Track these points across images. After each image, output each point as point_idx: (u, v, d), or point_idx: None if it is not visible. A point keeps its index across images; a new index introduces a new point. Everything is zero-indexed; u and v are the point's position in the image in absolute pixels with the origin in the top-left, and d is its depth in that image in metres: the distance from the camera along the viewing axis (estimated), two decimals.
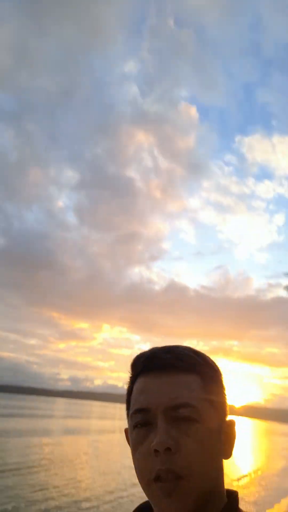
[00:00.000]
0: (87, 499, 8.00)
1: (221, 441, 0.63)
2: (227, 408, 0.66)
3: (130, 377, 0.68)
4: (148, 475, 0.59)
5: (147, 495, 0.61)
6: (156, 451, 0.58)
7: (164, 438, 0.57)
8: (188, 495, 0.57)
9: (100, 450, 17.52)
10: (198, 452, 0.58)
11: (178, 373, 0.62)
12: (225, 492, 0.64)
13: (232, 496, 0.64)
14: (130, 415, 0.64)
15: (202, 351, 0.69)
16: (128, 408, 0.66)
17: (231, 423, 0.65)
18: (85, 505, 7.49)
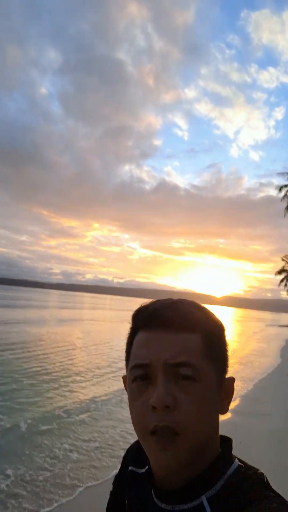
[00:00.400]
0: (79, 373, 9.33)
1: (219, 398, 0.63)
2: (228, 365, 0.66)
3: (131, 328, 0.67)
4: (144, 428, 0.59)
5: (143, 445, 0.62)
6: (154, 407, 0.58)
7: (163, 395, 0.58)
8: (183, 450, 0.58)
9: (92, 335, 19.66)
10: (196, 411, 0.58)
11: (180, 331, 0.61)
12: (219, 442, 0.65)
13: (226, 445, 0.65)
14: (129, 368, 0.64)
15: (205, 307, 0.67)
16: (127, 359, 0.66)
17: (231, 380, 0.66)
18: (76, 378, 8.74)
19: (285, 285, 35.21)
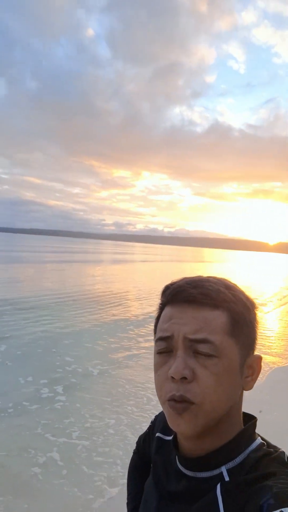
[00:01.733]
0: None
1: (243, 375, 0.65)
2: (255, 344, 0.67)
3: (159, 304, 0.70)
4: (164, 396, 0.63)
5: (164, 412, 0.65)
6: (172, 377, 0.61)
7: (181, 367, 0.60)
8: (198, 418, 0.61)
9: (144, 274, 21.10)
10: (213, 384, 0.60)
11: (203, 308, 0.63)
12: (241, 419, 0.67)
13: (250, 422, 0.67)
14: (155, 341, 0.67)
15: (236, 285, 0.69)
16: (155, 333, 0.69)
17: (257, 358, 0.67)
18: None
19: None
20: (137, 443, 0.92)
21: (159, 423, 0.82)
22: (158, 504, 0.69)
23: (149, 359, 6.15)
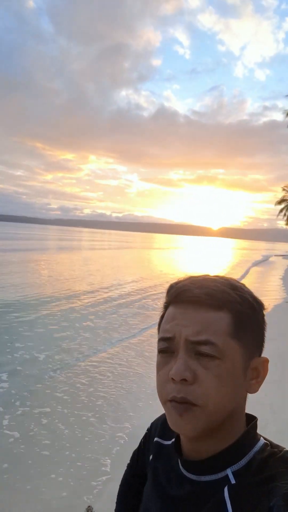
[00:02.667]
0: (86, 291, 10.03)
1: (247, 377, 0.63)
2: (262, 346, 0.66)
3: (164, 303, 0.69)
4: (164, 396, 0.62)
5: (165, 412, 0.64)
6: (173, 379, 0.60)
7: (182, 368, 0.59)
8: (199, 420, 0.59)
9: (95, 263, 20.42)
10: (215, 386, 0.59)
11: (207, 309, 0.62)
12: (244, 421, 0.66)
13: (251, 423, 0.66)
14: (157, 340, 0.66)
15: (243, 285, 0.67)
16: (158, 332, 0.68)
17: (263, 361, 0.65)
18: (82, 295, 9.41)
19: (284, 214, 35.32)
20: (132, 457, 0.89)
21: (155, 428, 0.80)
22: (161, 511, 0.67)
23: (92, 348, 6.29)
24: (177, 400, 0.59)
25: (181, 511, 0.64)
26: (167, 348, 0.63)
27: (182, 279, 0.68)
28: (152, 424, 0.83)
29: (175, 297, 0.64)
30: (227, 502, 0.58)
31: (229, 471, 0.61)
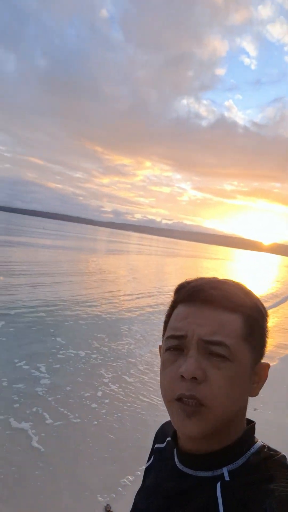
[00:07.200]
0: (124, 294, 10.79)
1: (251, 381, 0.64)
2: (265, 351, 0.67)
3: (172, 302, 0.69)
4: (171, 395, 0.62)
5: (169, 411, 0.63)
6: (182, 377, 0.60)
7: (193, 367, 0.59)
8: (207, 421, 0.60)
9: (137, 267, 21.20)
10: (224, 387, 0.60)
11: (221, 309, 0.62)
12: (245, 424, 0.67)
13: (249, 426, 0.67)
14: (165, 338, 0.67)
15: (251, 291, 0.68)
16: (164, 330, 0.69)
17: (265, 366, 0.66)
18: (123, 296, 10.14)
19: None
20: (144, 473, 0.84)
21: (156, 438, 0.81)
22: (155, 504, 0.68)
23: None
24: (185, 399, 0.60)
25: (174, 505, 0.64)
26: (177, 346, 0.63)
27: (191, 279, 0.69)
28: (155, 435, 0.83)
29: (189, 295, 0.65)
30: (218, 499, 0.59)
31: (225, 470, 0.62)
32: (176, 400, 0.61)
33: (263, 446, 0.65)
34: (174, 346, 0.64)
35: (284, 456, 0.62)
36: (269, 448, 0.65)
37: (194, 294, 0.65)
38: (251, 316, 0.65)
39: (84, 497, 2.75)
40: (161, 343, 0.70)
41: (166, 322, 0.69)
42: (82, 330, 7.12)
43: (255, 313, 0.65)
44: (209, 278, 0.69)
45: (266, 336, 0.68)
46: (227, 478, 0.62)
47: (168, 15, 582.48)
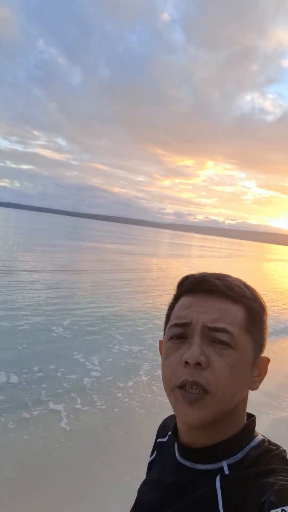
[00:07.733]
0: None
1: (252, 374, 0.65)
2: (265, 346, 0.68)
3: (175, 295, 0.70)
4: (173, 382, 0.62)
5: (170, 401, 0.63)
6: (186, 362, 0.60)
7: (197, 352, 0.60)
8: (209, 409, 0.60)
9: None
10: (227, 374, 0.60)
11: (224, 299, 0.64)
12: (245, 417, 0.68)
13: (250, 419, 0.68)
14: (168, 327, 0.67)
15: (252, 286, 0.69)
16: (166, 322, 0.69)
17: (266, 360, 0.67)
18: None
19: None
20: (147, 468, 0.86)
21: (158, 432, 0.83)
22: (157, 496, 0.68)
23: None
24: (188, 386, 0.60)
25: (175, 497, 0.65)
26: (180, 334, 0.64)
27: (195, 273, 0.70)
28: (157, 431, 0.84)
29: (193, 286, 0.67)
30: (217, 492, 0.60)
31: (224, 463, 0.63)
32: (178, 387, 0.62)
33: (264, 440, 0.65)
34: (178, 334, 0.65)
35: (284, 450, 0.62)
36: (270, 442, 0.65)
37: (198, 284, 0.66)
38: (253, 308, 0.66)
39: (105, 467, 3.18)
40: (161, 338, 0.72)
41: (168, 315, 0.71)
42: (138, 328, 7.42)
43: (257, 305, 0.67)
44: (212, 272, 0.70)
45: (266, 330, 0.69)
46: (226, 472, 0.62)
47: (230, 11, 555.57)
